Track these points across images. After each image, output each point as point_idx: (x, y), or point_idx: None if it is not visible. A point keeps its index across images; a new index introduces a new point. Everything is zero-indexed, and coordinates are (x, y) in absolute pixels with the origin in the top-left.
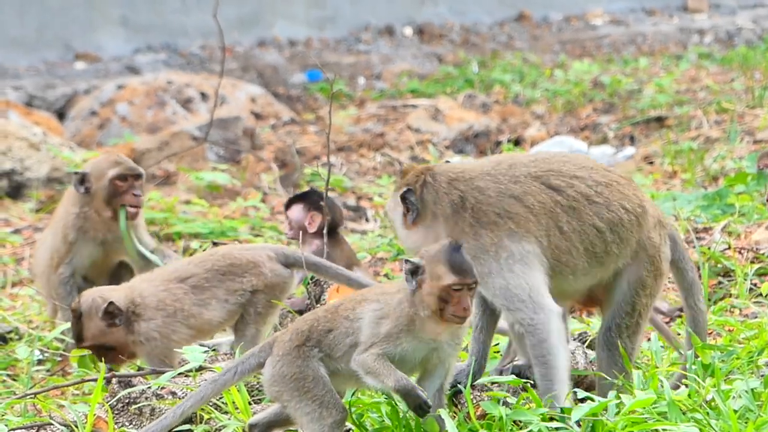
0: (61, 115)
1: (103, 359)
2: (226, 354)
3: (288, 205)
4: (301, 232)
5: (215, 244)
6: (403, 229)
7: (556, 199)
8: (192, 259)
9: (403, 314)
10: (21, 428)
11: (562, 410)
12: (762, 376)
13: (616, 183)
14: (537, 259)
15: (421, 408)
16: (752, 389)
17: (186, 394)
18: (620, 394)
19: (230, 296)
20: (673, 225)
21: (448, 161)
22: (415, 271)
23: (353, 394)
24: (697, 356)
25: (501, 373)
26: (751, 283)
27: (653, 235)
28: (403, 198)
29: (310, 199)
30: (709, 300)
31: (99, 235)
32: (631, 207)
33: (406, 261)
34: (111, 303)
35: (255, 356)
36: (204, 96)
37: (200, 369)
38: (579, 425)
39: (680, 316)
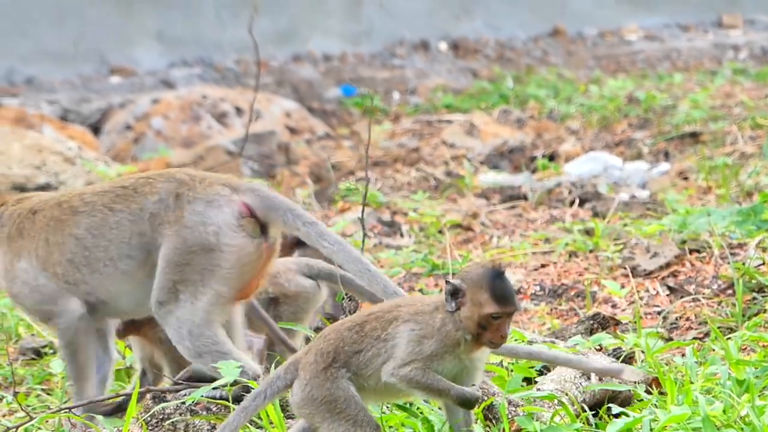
0: (95, 129)
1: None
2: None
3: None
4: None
5: None
6: None
7: (54, 214)
8: None
9: (449, 336)
10: None
11: (597, 425)
12: None
13: (122, 188)
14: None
15: (478, 402)
16: None
17: (220, 410)
18: (655, 409)
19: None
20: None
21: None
22: (455, 293)
23: (383, 407)
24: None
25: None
26: None
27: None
28: None
29: None
30: (743, 315)
31: None
32: (122, 207)
33: (447, 282)
34: None
35: (282, 379)
36: (239, 110)
37: (234, 384)
38: None
39: None
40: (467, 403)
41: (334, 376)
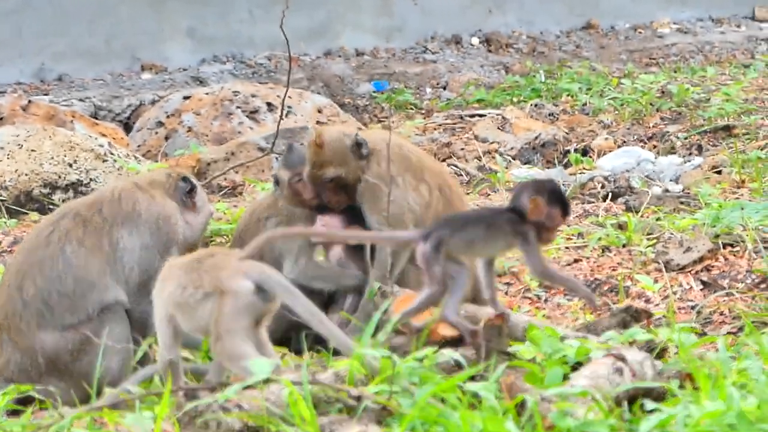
0: (127, 126)
1: None
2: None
3: (323, 209)
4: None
5: None
6: None
7: None
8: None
9: None
10: None
11: (630, 421)
12: None
13: None
14: None
15: None
16: None
17: (252, 408)
18: (689, 405)
19: None
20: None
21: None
22: None
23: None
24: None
25: None
26: None
27: None
28: None
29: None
30: None
31: None
32: None
33: None
34: None
35: None
36: (270, 106)
37: (268, 381)
38: None
39: None
40: None
41: None
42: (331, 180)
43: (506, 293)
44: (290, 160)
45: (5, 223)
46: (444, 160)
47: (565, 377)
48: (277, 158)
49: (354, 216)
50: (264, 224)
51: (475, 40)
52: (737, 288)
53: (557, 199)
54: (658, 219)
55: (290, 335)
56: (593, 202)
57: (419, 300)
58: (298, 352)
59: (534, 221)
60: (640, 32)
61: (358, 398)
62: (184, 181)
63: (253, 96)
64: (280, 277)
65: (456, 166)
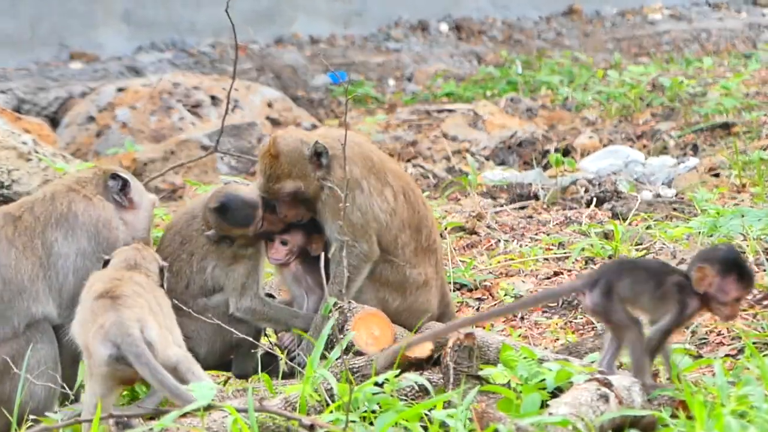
0: (54, 121)
1: None
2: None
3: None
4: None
5: None
6: None
7: None
8: None
9: None
10: None
11: None
12: None
13: None
14: None
15: None
16: None
17: None
18: None
19: None
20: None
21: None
22: None
23: None
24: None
25: None
26: None
27: None
28: None
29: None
30: None
31: None
32: None
33: None
34: None
35: None
36: (214, 100)
37: (209, 408)
38: None
39: None
40: None
41: None
42: (289, 194)
43: (478, 309)
44: (238, 218)
45: None
46: (409, 161)
47: (543, 404)
48: (222, 158)
49: (315, 227)
50: (200, 264)
51: (443, 27)
52: None
53: (731, 267)
54: (648, 227)
55: (228, 358)
56: (576, 208)
57: (633, 354)
58: (240, 377)
59: (703, 293)
60: (628, 18)
61: (311, 427)
62: (113, 179)
63: (196, 88)
64: (140, 346)
65: (422, 167)
